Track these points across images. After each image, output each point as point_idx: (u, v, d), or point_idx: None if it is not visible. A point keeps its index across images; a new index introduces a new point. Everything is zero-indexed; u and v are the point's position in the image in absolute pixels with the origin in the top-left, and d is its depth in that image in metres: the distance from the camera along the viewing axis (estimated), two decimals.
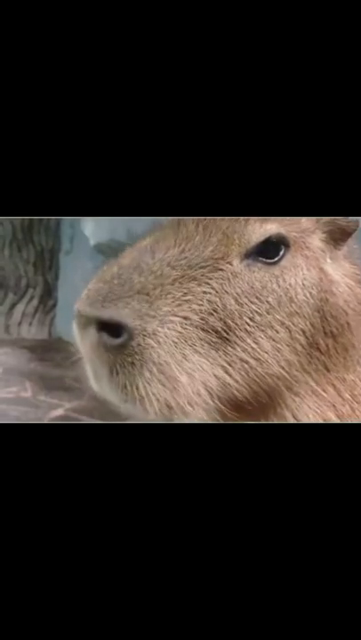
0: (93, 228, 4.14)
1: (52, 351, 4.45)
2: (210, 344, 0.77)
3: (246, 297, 0.79)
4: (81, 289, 0.82)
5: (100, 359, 0.78)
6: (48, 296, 5.40)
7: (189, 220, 0.84)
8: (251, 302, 0.79)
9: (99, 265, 0.89)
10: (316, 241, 0.90)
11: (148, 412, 0.79)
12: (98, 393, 0.85)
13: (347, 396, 0.85)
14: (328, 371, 0.83)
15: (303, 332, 0.81)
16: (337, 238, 0.90)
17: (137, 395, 0.77)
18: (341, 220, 0.91)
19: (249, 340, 0.78)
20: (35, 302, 5.36)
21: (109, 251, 3.58)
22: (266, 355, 0.79)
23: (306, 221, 0.88)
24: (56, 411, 3.31)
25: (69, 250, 5.13)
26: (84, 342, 0.80)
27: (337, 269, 0.90)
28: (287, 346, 0.80)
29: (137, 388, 0.77)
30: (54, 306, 5.39)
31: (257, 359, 0.78)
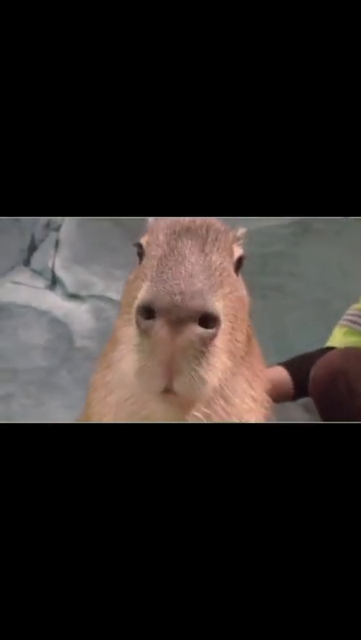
0: None
1: None
2: (224, 335, 0.88)
3: (238, 297, 0.97)
4: None
5: (191, 353, 0.80)
6: None
7: (204, 233, 0.96)
8: (239, 301, 0.97)
9: None
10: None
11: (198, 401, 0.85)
12: (155, 397, 0.83)
13: (250, 374, 1.06)
14: (246, 355, 1.03)
15: (250, 327, 1.04)
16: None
17: (204, 385, 0.82)
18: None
19: (239, 333, 0.95)
20: None
21: None
22: (242, 344, 0.96)
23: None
24: None
25: None
26: (178, 336, 0.79)
27: None
28: (246, 337, 1.00)
29: (203, 380, 0.82)
30: None
31: (239, 347, 0.95)
